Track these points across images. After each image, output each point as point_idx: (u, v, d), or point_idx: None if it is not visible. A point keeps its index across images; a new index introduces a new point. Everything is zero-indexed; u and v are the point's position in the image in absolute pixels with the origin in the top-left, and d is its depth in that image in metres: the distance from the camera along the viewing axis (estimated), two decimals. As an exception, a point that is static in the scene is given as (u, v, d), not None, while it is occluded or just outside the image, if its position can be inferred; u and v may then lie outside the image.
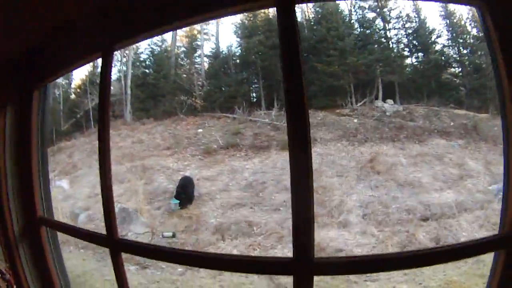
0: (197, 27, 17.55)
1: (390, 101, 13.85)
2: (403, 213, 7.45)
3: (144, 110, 16.05)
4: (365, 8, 15.64)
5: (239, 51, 17.19)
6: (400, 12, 15.25)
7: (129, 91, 16.23)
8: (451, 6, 14.19)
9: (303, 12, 16.45)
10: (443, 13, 14.64)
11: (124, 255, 1.43)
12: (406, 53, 15.58)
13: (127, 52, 16.49)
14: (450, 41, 14.70)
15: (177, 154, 11.99)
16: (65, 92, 17.67)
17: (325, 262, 1.14)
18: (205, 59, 18.12)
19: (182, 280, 5.70)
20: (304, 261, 1.03)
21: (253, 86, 16.92)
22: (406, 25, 15.33)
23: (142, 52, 17.81)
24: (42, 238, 1.72)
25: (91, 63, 13.56)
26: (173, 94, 15.95)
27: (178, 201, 8.57)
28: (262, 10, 14.05)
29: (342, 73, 14.49)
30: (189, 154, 12.00)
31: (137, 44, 14.60)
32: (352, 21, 16.15)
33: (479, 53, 13.68)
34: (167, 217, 8.30)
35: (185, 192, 8.77)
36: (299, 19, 15.76)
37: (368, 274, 4.93)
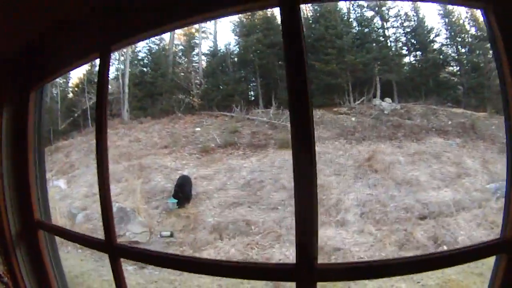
0: (195, 25, 17.48)
1: (388, 100, 13.88)
2: (401, 211, 7.46)
3: (142, 109, 16.03)
4: (363, 6, 15.68)
5: (237, 49, 17.20)
6: (399, 11, 15.32)
7: (126, 90, 16.17)
8: (450, 5, 14.22)
9: (302, 10, 16.42)
10: (441, 12, 14.69)
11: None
12: (404, 51, 15.67)
13: (124, 50, 16.42)
14: (448, 40, 14.77)
15: (174, 153, 11.96)
16: (63, 91, 17.60)
17: (328, 268, 1.12)
18: (203, 57, 18.12)
19: (180, 280, 5.68)
20: (307, 268, 1.02)
21: (251, 84, 16.92)
22: (405, 24, 15.39)
23: (140, 51, 17.82)
24: (39, 241, 1.70)
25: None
26: (170, 93, 15.91)
27: (175, 200, 8.54)
28: (260, 9, 13.98)
29: (340, 71, 14.52)
30: (186, 153, 11.97)
31: (134, 43, 14.53)
32: (351, 20, 16.17)
33: (477, 52, 13.73)
34: (165, 217, 8.27)
35: (182, 191, 8.73)
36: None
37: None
